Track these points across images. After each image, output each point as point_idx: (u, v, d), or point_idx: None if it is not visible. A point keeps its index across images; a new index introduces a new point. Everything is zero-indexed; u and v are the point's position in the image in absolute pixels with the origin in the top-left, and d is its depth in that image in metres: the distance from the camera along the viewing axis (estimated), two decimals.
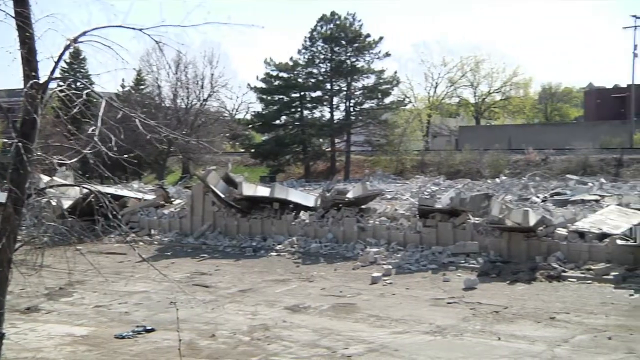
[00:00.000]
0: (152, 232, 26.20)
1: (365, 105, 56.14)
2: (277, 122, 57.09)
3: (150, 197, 29.44)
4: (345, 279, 17.85)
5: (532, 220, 19.10)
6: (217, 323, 13.24)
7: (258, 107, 60.43)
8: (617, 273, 16.64)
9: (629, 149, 48.25)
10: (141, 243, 24.37)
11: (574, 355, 10.87)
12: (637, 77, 61.44)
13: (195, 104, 55.89)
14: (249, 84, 58.70)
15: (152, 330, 12.66)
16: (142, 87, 57.95)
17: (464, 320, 13.23)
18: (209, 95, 56.63)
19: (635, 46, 60.54)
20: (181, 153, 52.71)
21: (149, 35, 8.53)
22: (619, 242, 17.90)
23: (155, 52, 48.90)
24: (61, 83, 8.93)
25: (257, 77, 56.44)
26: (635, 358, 10.66)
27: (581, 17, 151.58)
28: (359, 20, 55.00)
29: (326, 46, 54.96)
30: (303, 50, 55.60)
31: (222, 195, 24.91)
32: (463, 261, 19.10)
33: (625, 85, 75.95)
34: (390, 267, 18.70)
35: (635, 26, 60.46)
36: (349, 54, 54.88)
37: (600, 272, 16.89)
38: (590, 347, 11.31)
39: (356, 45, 54.48)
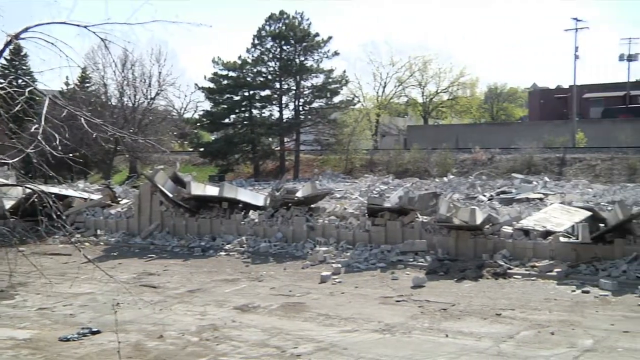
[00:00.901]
0: (99, 232, 25.80)
1: (314, 105, 56.14)
2: (226, 121, 56.67)
3: (96, 196, 28.97)
4: (294, 278, 17.86)
5: (479, 219, 19.41)
6: (165, 324, 13.08)
7: (207, 105, 60.01)
8: (560, 270, 17.05)
9: (571, 149, 49.40)
10: (87, 244, 23.92)
11: (519, 350, 11.08)
12: (578, 78, 63.09)
13: (143, 102, 55.13)
14: (196, 84, 58.26)
15: (97, 332, 12.44)
16: (87, 85, 56.86)
17: (412, 318, 13.36)
18: (157, 94, 55.97)
19: (577, 48, 62.25)
20: (128, 152, 51.91)
21: (94, 32, 8.38)
22: (562, 239, 18.35)
23: (101, 50, 48.18)
24: (2, 80, 8.71)
25: (205, 77, 56.00)
26: (576, 352, 10.92)
27: (525, 18, 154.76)
28: (308, 19, 54.99)
29: (275, 45, 54.75)
30: (252, 49, 55.29)
31: (170, 195, 24.67)
32: (411, 259, 19.29)
33: (567, 86, 77.86)
34: (339, 265, 18.77)
35: (577, 29, 62.14)
36: (297, 53, 54.76)
37: (544, 268, 17.27)
38: (534, 342, 11.55)
39: (305, 44, 54.42)
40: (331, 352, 11.21)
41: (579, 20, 62.16)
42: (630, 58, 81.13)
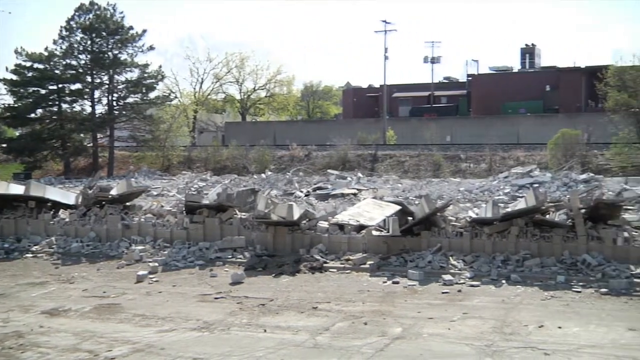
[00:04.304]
0: None
1: (129, 100, 54.32)
2: (32, 115, 53.39)
3: None
4: (109, 279, 17.23)
5: (296, 214, 19.77)
6: None
7: (9, 99, 56.03)
8: (372, 262, 17.78)
9: (382, 145, 51.84)
10: None
11: (334, 341, 11.43)
12: (388, 78, 66.55)
13: None
14: None
15: None
16: None
17: (231, 315, 13.36)
18: None
19: (386, 49, 65.67)
20: None
21: None
22: (374, 233, 19.14)
23: None
24: None
25: (7, 69, 52.35)
26: (387, 340, 11.45)
27: (341, 19, 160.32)
28: (121, 12, 53.04)
29: (85, 37, 52.23)
30: (60, 41, 52.38)
31: None
32: (230, 256, 19.28)
33: (378, 86, 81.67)
34: (156, 264, 18.41)
35: (385, 30, 65.56)
36: (110, 46, 52.70)
37: (358, 261, 17.94)
38: (349, 333, 11.97)
39: (118, 37, 52.47)
40: (148, 353, 10.93)
41: (388, 23, 65.60)
42: (434, 60, 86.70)
